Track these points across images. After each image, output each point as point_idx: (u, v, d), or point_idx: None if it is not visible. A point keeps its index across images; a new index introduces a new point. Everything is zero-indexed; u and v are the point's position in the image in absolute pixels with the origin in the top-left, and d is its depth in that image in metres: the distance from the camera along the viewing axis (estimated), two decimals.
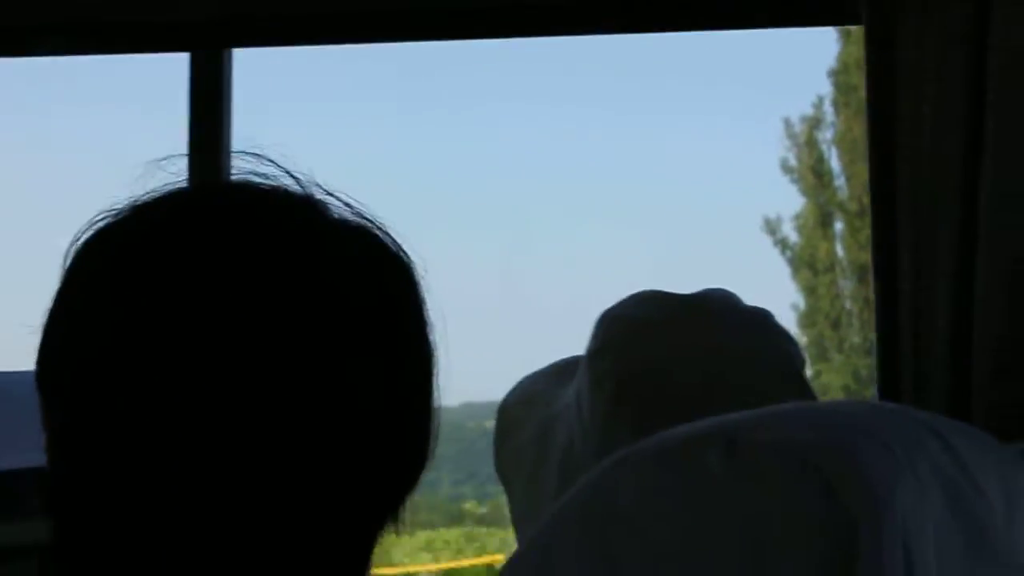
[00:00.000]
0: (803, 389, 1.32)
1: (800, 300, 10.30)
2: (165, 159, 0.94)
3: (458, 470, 11.69)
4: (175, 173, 0.93)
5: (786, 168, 10.19)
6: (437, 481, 10.84)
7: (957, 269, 1.55)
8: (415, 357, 0.97)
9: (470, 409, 8.92)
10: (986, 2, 1.57)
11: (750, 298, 1.37)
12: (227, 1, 1.97)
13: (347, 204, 0.97)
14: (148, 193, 0.91)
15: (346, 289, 0.92)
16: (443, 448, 1.00)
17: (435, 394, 0.98)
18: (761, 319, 1.37)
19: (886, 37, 1.63)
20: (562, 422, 1.36)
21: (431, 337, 0.98)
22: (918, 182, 1.59)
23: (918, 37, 1.60)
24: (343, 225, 0.95)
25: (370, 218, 0.97)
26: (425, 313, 0.98)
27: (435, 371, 0.99)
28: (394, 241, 0.98)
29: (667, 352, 1.29)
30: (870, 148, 1.62)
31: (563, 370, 1.44)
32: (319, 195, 0.96)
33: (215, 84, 2.02)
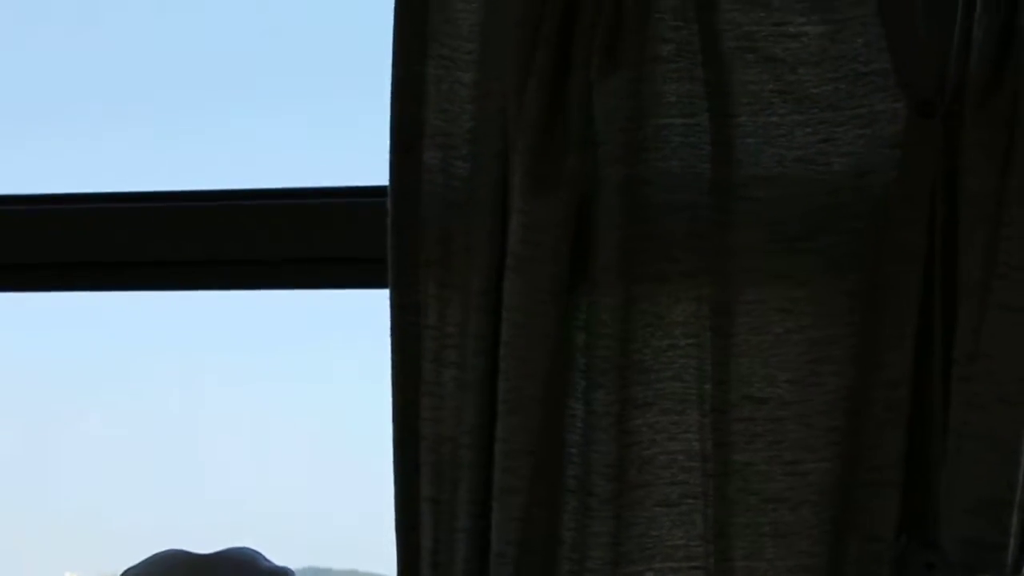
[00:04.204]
0: None
1: None
2: None
3: None
4: None
5: None
6: None
7: (473, 526, 1.66)
8: None
9: None
10: (500, 271, 1.70)
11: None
12: None
13: None
14: None
15: None
16: None
17: None
18: None
19: (411, 303, 1.73)
20: None
21: None
22: (439, 441, 1.70)
23: (440, 304, 1.72)
24: None
25: None
26: None
27: None
28: None
29: None
30: (395, 410, 1.72)
31: None
32: None
33: None
